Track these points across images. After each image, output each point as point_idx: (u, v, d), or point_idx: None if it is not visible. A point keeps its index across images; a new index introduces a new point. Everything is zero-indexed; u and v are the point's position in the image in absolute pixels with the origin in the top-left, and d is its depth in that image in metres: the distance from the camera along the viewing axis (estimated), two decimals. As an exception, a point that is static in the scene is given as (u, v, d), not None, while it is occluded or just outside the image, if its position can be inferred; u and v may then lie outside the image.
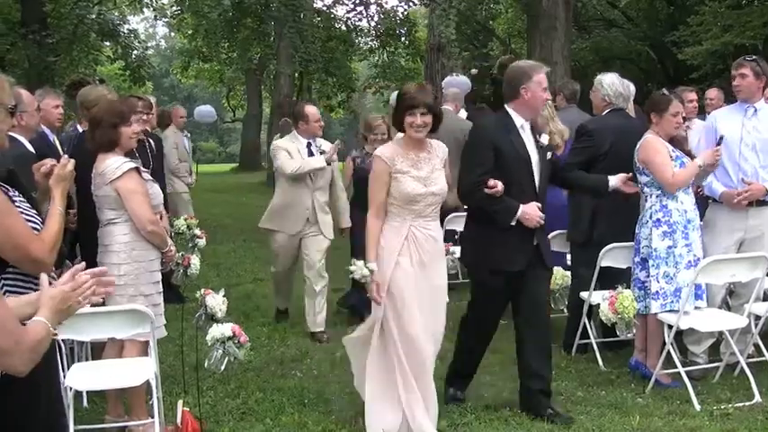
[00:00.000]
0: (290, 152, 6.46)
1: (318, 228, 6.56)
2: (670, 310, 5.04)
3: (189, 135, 10.70)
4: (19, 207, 2.62)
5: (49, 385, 2.68)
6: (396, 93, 6.79)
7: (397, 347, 4.33)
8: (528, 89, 4.60)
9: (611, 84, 5.85)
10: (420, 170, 4.37)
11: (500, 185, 4.46)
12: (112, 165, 4.24)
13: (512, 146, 4.62)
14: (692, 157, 5.25)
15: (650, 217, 5.18)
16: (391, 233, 4.37)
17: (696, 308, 5.03)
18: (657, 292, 5.09)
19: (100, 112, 4.42)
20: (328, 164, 6.51)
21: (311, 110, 6.70)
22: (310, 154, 6.53)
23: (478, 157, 4.64)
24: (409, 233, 4.35)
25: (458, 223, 7.59)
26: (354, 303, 6.93)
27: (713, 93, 7.54)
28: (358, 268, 4.20)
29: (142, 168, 4.46)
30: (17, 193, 2.67)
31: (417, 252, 4.35)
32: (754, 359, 5.33)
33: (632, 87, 6.03)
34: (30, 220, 2.64)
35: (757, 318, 5.26)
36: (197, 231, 5.47)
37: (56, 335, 2.62)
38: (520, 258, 4.65)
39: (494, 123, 4.89)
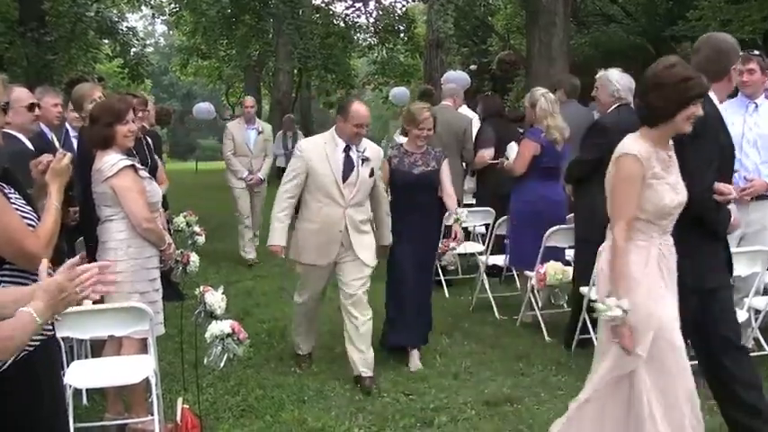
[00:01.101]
0: (311, 160, 5.15)
1: (354, 253, 5.25)
2: None
3: (261, 128, 9.52)
4: (14, 204, 2.61)
5: (51, 385, 2.68)
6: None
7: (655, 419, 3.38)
8: (735, 70, 3.95)
9: (619, 79, 5.81)
10: (670, 174, 3.46)
11: (733, 191, 3.79)
12: (109, 162, 4.24)
13: (728, 137, 3.89)
14: None
15: None
16: (638, 256, 3.43)
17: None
18: None
19: (96, 111, 4.43)
20: None
21: (356, 108, 5.17)
22: (347, 160, 5.19)
23: (709, 153, 3.75)
24: (660, 255, 3.46)
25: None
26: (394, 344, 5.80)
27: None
28: (607, 308, 3.21)
29: (139, 166, 4.45)
30: (13, 191, 2.67)
31: (670, 278, 3.49)
32: (755, 353, 5.31)
33: (633, 83, 6.01)
34: (25, 217, 2.64)
35: (757, 312, 5.26)
36: (196, 228, 5.46)
37: (51, 329, 2.63)
38: (728, 268, 3.98)
39: (707, 108, 3.65)
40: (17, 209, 2.61)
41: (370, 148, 5.32)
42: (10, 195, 2.62)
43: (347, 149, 5.20)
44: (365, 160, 5.21)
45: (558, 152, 6.29)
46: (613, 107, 5.77)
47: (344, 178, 5.17)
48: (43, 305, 2.24)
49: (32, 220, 2.69)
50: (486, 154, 7.88)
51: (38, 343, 2.54)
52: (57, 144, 5.61)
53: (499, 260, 7.07)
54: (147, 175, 4.60)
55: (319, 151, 5.18)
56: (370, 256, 5.28)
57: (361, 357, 5.22)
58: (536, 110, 6.26)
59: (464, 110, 8.57)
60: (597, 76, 6.04)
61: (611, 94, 5.77)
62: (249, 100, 10.02)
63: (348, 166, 5.18)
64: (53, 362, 2.77)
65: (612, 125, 5.70)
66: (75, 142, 5.89)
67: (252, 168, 9.27)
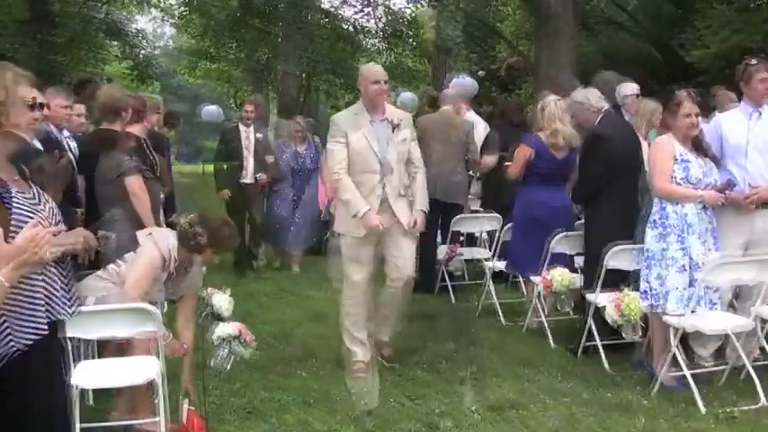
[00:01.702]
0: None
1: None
2: (664, 312, 5.02)
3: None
4: (18, 202, 2.63)
5: (50, 384, 2.69)
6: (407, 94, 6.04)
7: None
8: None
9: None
10: None
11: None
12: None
13: None
14: (709, 156, 5.20)
15: (648, 216, 5.19)
16: None
17: (692, 311, 4.98)
18: (646, 291, 5.09)
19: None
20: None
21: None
22: (379, 128, 5.25)
23: None
24: None
25: (462, 225, 7.58)
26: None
27: (721, 89, 7.63)
28: None
29: (142, 167, 4.47)
30: (17, 194, 2.69)
31: None
32: (760, 362, 5.30)
33: (634, 86, 6.03)
34: (29, 217, 2.65)
35: (763, 321, 5.23)
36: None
37: (46, 329, 2.64)
38: None
39: None
40: (20, 209, 2.64)
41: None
42: (4, 197, 2.64)
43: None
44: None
45: (557, 158, 6.27)
46: (602, 114, 5.84)
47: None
48: (7, 270, 2.43)
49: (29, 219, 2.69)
50: (490, 159, 7.90)
51: (31, 342, 2.56)
52: (65, 145, 5.63)
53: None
54: (151, 175, 4.62)
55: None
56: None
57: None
58: (544, 114, 6.28)
59: (471, 115, 8.56)
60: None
61: (593, 103, 5.88)
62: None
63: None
64: (51, 362, 2.78)
65: (610, 132, 5.77)
66: (66, 142, 5.90)
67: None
